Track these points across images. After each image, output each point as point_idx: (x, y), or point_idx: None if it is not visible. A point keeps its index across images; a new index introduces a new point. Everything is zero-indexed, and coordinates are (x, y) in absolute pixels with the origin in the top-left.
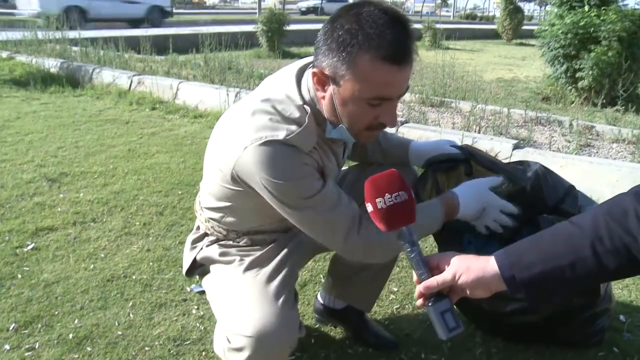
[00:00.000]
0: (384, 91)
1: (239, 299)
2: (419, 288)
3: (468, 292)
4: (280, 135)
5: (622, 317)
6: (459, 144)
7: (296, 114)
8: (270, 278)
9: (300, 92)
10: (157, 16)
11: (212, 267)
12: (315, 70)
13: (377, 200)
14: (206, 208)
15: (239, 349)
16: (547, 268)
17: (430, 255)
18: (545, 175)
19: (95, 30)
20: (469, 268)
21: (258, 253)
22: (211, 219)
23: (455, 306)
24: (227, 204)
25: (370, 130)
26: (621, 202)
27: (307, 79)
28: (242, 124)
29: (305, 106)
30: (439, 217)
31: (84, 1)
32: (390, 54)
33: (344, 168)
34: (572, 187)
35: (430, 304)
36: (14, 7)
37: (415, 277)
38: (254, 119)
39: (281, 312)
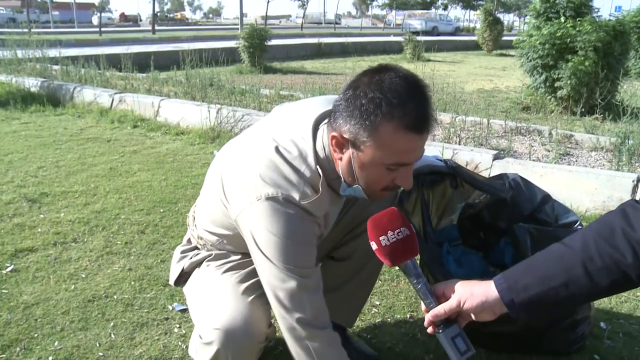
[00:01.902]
0: (404, 158)
1: (213, 295)
2: (428, 317)
3: (474, 317)
4: (296, 196)
5: (602, 325)
6: (443, 157)
7: (309, 175)
8: (246, 278)
9: (315, 149)
10: None
11: (195, 272)
12: (335, 134)
13: (381, 238)
14: (203, 229)
15: (209, 343)
16: (543, 289)
17: (436, 284)
18: (521, 186)
19: (76, 48)
20: (472, 294)
21: (243, 260)
22: (206, 239)
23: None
24: (227, 232)
25: (385, 190)
26: (608, 221)
27: (323, 136)
28: (254, 170)
29: (319, 169)
30: None
31: None
32: (413, 123)
33: None
34: (547, 196)
35: (440, 331)
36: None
37: (423, 307)
38: (268, 170)
39: (250, 306)
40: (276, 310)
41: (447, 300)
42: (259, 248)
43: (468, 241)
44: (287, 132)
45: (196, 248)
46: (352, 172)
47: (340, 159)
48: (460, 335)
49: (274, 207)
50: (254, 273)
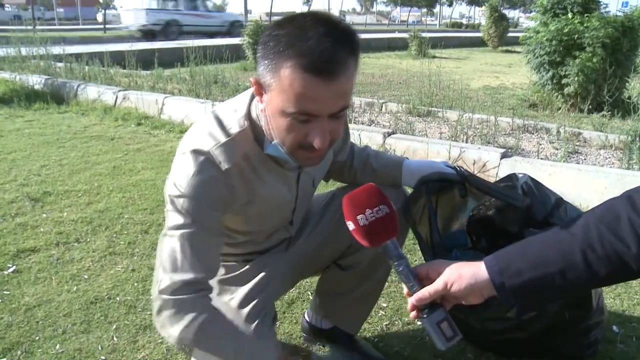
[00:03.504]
0: (306, 105)
1: None
2: (411, 301)
3: (461, 300)
4: (206, 146)
5: (615, 328)
6: (452, 164)
7: (234, 126)
8: (244, 303)
9: (250, 104)
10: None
11: None
12: (252, 79)
13: (359, 217)
14: None
15: None
16: (537, 275)
17: (418, 266)
18: (533, 189)
19: (80, 46)
20: (460, 276)
21: (233, 274)
22: None
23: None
24: None
25: (303, 149)
26: (613, 208)
27: None
28: (187, 134)
29: (244, 120)
30: None
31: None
32: (311, 64)
33: (331, 189)
34: (560, 200)
35: (425, 316)
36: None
37: (405, 290)
38: (196, 128)
39: (254, 335)
40: (157, 262)
41: (431, 282)
42: (166, 197)
43: (479, 243)
44: (229, 102)
45: None
46: (269, 123)
47: (264, 110)
48: (447, 320)
49: (184, 159)
50: (250, 293)
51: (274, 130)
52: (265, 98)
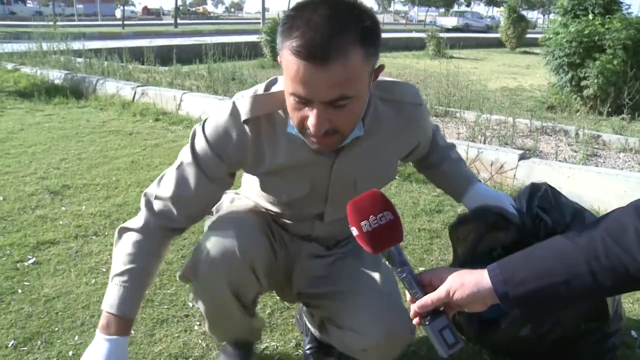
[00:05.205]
0: (299, 89)
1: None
2: (414, 307)
3: (464, 308)
4: (242, 95)
5: (633, 333)
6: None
7: (276, 88)
8: (251, 210)
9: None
10: None
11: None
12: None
13: (362, 223)
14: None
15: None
16: (541, 285)
17: (422, 273)
18: (551, 200)
19: (100, 41)
20: (463, 284)
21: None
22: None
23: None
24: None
25: (309, 134)
26: (620, 218)
27: None
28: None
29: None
30: None
31: None
32: (300, 48)
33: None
34: (580, 210)
35: (427, 323)
36: None
37: (408, 297)
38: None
39: (242, 225)
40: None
41: (434, 289)
42: None
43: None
44: None
45: None
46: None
47: None
48: (449, 327)
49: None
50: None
51: (288, 109)
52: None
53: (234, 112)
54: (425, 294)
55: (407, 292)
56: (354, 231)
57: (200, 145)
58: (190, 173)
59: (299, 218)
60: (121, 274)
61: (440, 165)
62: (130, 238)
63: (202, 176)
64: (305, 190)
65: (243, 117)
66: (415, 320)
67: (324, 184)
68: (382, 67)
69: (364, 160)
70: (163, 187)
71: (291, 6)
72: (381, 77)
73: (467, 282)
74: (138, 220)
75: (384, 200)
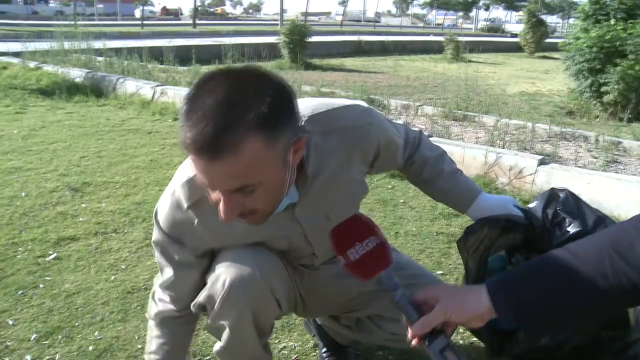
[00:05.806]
0: (201, 178)
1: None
2: (411, 330)
3: (462, 325)
4: (175, 182)
5: None
6: (520, 204)
7: None
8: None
9: None
10: None
11: None
12: None
13: (348, 252)
14: None
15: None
16: (546, 304)
17: (416, 292)
18: (573, 207)
19: (120, 41)
20: (462, 305)
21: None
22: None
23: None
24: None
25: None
26: (627, 233)
27: None
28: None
29: None
30: None
31: None
32: (188, 141)
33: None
34: (601, 218)
35: (427, 345)
36: None
37: (404, 319)
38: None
39: (255, 251)
40: None
41: (430, 307)
42: None
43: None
44: None
45: None
46: None
47: None
48: (449, 347)
49: (166, 189)
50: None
51: None
52: None
53: (176, 201)
54: (421, 314)
55: (402, 315)
56: (342, 260)
57: (158, 237)
58: (164, 263)
59: (296, 257)
60: None
61: (436, 181)
62: (151, 330)
63: (174, 264)
64: (284, 245)
65: (185, 204)
66: (414, 342)
67: (298, 232)
68: (303, 138)
69: (325, 196)
70: (159, 275)
71: (307, 15)
72: (319, 105)
73: (464, 301)
74: (152, 309)
75: (366, 225)
